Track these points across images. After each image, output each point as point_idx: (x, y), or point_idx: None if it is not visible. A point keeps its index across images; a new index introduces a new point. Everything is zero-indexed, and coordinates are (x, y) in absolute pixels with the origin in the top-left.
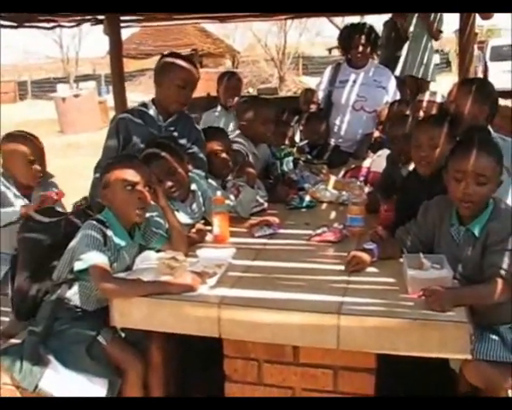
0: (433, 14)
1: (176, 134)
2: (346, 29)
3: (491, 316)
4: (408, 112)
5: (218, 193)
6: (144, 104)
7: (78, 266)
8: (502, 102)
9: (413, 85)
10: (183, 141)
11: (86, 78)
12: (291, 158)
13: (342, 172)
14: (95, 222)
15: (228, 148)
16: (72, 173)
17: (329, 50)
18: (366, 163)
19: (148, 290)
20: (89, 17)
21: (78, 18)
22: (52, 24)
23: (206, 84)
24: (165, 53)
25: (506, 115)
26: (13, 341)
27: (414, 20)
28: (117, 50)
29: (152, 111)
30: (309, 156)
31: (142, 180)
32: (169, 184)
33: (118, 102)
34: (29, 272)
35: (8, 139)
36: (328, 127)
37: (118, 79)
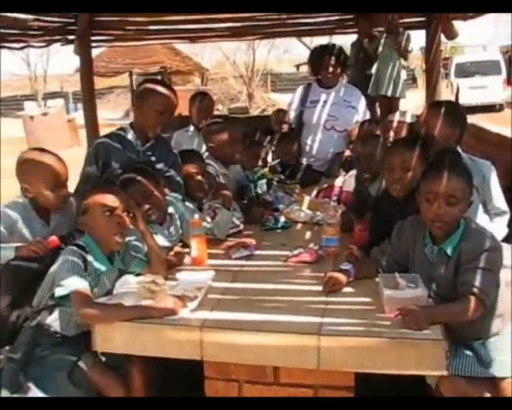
0: (401, 36)
1: (154, 158)
2: (317, 50)
3: (464, 332)
4: (378, 131)
5: (196, 216)
6: (123, 128)
7: (59, 291)
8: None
9: (383, 104)
10: (160, 165)
11: (54, 95)
12: (264, 180)
13: (315, 192)
14: (75, 247)
15: (203, 170)
16: None
17: (297, 67)
18: (338, 182)
19: (130, 315)
20: (59, 37)
21: (48, 38)
22: (21, 44)
23: None
24: (145, 79)
25: (471, 132)
26: None
27: (382, 40)
28: (87, 70)
29: (130, 135)
30: (282, 176)
31: (121, 205)
32: (146, 207)
33: (88, 121)
34: (11, 298)
35: (34, 156)
36: (299, 147)
37: (88, 97)
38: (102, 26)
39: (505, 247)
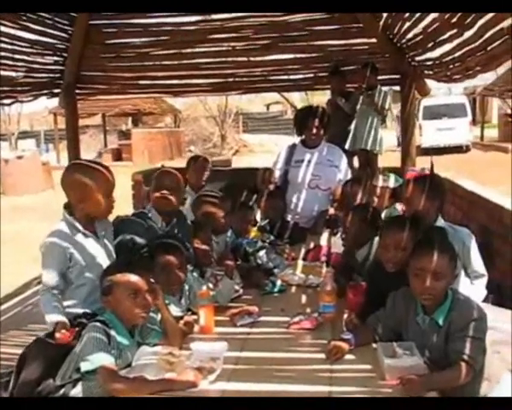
0: (377, 94)
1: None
2: (300, 112)
3: (456, 395)
4: (360, 192)
5: (203, 287)
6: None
7: (85, 366)
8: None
9: (362, 157)
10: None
11: (25, 135)
12: (263, 251)
13: (303, 252)
14: (98, 324)
15: (209, 239)
16: (23, 240)
17: (267, 106)
18: (323, 241)
19: (155, 388)
20: (46, 91)
21: (36, 93)
22: (10, 100)
23: (148, 144)
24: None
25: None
26: None
27: (361, 97)
28: (73, 122)
29: (152, 216)
30: (272, 236)
31: (145, 286)
32: (172, 281)
33: None
34: (38, 373)
35: (80, 168)
36: (285, 205)
37: (73, 148)
38: (87, 81)
39: (486, 307)
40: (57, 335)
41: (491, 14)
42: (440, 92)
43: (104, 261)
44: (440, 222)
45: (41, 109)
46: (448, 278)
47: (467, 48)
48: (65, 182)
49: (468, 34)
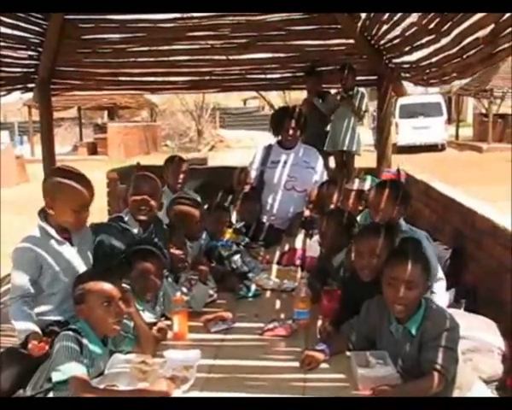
0: (355, 95)
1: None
2: (277, 113)
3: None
4: (336, 194)
5: (178, 293)
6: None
7: (56, 377)
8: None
9: (339, 158)
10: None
11: None
12: (238, 256)
13: (278, 255)
14: (70, 332)
15: (184, 244)
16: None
17: (244, 101)
18: (298, 243)
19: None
20: (20, 86)
21: (10, 87)
22: None
23: (124, 138)
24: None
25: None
26: None
27: (338, 97)
28: (47, 118)
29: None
30: (246, 238)
31: (118, 294)
32: (157, 283)
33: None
34: (9, 384)
35: (60, 177)
36: (261, 206)
37: (47, 146)
38: (62, 76)
39: (459, 313)
40: (30, 346)
41: (467, 23)
42: (417, 91)
43: (79, 269)
44: (402, 224)
45: (15, 100)
46: (421, 288)
47: (443, 54)
48: (43, 186)
49: (445, 41)
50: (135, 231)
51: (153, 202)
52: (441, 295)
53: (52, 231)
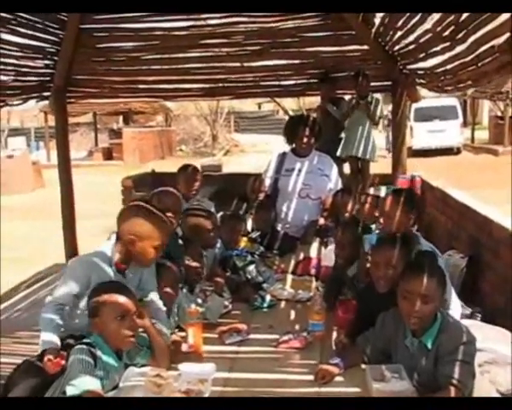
0: (370, 101)
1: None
2: (291, 120)
3: None
4: (351, 202)
5: (192, 305)
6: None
7: (70, 391)
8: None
9: (354, 164)
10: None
11: (15, 132)
12: (253, 266)
13: (293, 264)
14: (84, 346)
15: (200, 255)
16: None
17: (259, 105)
18: (313, 252)
19: None
20: (36, 95)
21: (25, 96)
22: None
23: (139, 144)
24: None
25: (437, 196)
26: None
27: (352, 103)
28: (62, 125)
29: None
30: (261, 247)
31: (133, 309)
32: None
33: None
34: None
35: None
36: (275, 214)
37: (62, 154)
38: (77, 84)
39: (475, 325)
40: (46, 361)
41: (483, 31)
42: (431, 94)
43: None
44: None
45: (31, 106)
46: (436, 302)
47: (458, 61)
48: (124, 221)
49: (460, 48)
50: None
51: (175, 218)
52: (453, 308)
53: (114, 257)
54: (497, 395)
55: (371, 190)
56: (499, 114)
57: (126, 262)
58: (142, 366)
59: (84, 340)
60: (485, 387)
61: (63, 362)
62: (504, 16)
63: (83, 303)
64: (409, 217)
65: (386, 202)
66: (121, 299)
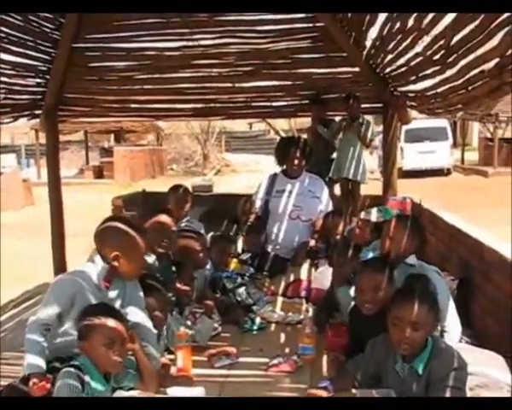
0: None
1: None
2: (282, 142)
3: None
4: (341, 224)
5: (182, 328)
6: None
7: None
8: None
9: (345, 186)
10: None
11: (5, 149)
12: (243, 288)
13: (283, 286)
14: (72, 369)
15: (191, 278)
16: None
17: (250, 125)
18: (304, 274)
19: None
20: (27, 113)
21: (16, 114)
22: None
23: (130, 162)
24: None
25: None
26: None
27: (343, 124)
28: (53, 143)
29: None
30: (251, 268)
31: (121, 334)
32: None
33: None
34: None
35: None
36: (266, 236)
37: (52, 172)
38: (69, 103)
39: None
40: (31, 385)
41: (473, 55)
42: (422, 115)
43: None
44: (413, 260)
45: (22, 124)
46: (427, 328)
47: (449, 85)
48: (107, 235)
49: (450, 72)
50: (149, 260)
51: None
52: (453, 332)
53: (99, 278)
54: None
55: (362, 213)
56: (489, 135)
57: (109, 279)
58: (130, 389)
59: (72, 362)
60: None
61: (49, 386)
62: (494, 41)
63: (67, 322)
64: (413, 243)
65: (389, 227)
66: (111, 323)
